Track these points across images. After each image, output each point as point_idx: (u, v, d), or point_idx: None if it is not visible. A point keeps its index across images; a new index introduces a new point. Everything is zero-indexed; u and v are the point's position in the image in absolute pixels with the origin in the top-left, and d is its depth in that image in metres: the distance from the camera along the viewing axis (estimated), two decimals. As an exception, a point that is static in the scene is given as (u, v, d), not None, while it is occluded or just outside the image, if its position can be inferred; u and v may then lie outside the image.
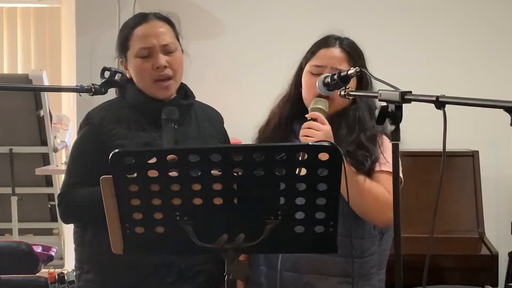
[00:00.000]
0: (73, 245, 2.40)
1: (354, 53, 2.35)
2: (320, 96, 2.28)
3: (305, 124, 2.18)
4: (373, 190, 2.18)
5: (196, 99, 2.54)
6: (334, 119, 2.29)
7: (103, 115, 2.35)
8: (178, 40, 2.42)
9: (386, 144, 2.23)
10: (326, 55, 2.34)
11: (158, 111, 2.32)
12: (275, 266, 2.28)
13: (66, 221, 2.41)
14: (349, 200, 2.10)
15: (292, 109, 2.40)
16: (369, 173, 2.22)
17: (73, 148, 2.40)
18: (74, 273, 2.42)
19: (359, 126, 2.28)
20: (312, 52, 2.38)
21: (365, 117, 2.30)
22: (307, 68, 2.36)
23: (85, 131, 2.36)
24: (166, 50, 2.35)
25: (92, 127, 2.34)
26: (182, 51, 2.42)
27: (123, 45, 2.40)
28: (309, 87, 2.32)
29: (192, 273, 2.30)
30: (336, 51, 2.34)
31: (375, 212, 2.19)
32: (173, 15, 2.44)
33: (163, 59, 2.33)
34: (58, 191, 5.59)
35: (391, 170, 2.02)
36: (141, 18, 2.40)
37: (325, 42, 2.37)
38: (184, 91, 2.45)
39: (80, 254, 2.37)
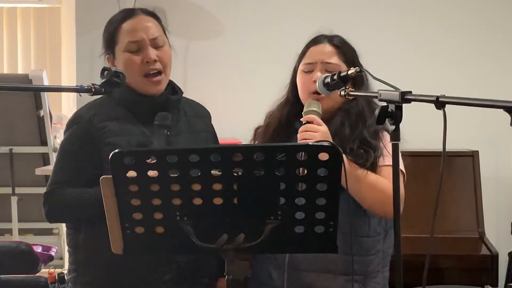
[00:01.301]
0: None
1: (343, 47, 2.38)
2: (314, 92, 2.30)
3: (302, 128, 2.19)
4: (378, 184, 2.19)
5: (196, 98, 2.54)
6: (337, 117, 2.31)
7: (92, 113, 2.31)
8: (165, 35, 2.40)
9: (388, 139, 2.24)
10: (315, 51, 2.38)
11: (148, 107, 2.30)
12: (282, 265, 2.29)
13: (51, 220, 2.36)
14: (355, 196, 2.15)
15: (291, 111, 2.41)
16: (373, 168, 2.23)
17: (61, 147, 2.35)
18: (69, 276, 2.37)
19: (361, 122, 2.30)
20: (303, 52, 2.42)
21: (365, 112, 2.31)
22: (299, 68, 2.40)
23: (74, 130, 2.32)
24: (155, 44, 2.33)
25: (81, 126, 2.30)
26: (170, 46, 2.40)
27: (110, 41, 2.37)
28: (303, 85, 2.36)
29: (191, 269, 2.29)
30: (325, 47, 2.38)
31: (382, 205, 2.18)
32: (159, 10, 2.42)
33: (153, 53, 2.31)
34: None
35: None
36: (128, 13, 2.39)
37: (314, 40, 2.42)
38: (172, 87, 2.43)
39: (75, 256, 2.33)
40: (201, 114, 2.49)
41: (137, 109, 2.33)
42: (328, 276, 2.26)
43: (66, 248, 2.38)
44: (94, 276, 2.29)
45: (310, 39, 2.43)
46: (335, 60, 2.34)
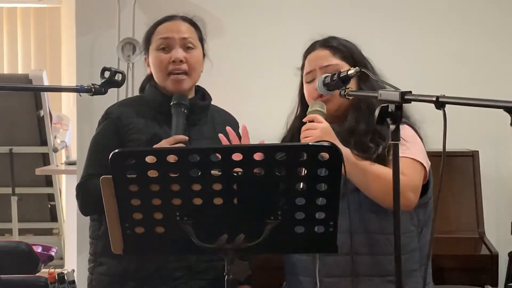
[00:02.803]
0: (89, 239, 2.47)
1: (338, 46, 2.37)
2: (319, 96, 2.29)
3: (303, 127, 2.19)
4: (383, 174, 2.13)
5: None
6: (350, 115, 2.31)
7: (121, 110, 2.42)
8: (201, 43, 2.49)
9: (407, 133, 2.21)
10: (311, 59, 2.38)
11: None
12: (313, 274, 2.26)
13: (85, 213, 2.44)
14: (362, 189, 2.15)
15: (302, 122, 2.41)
16: (381, 159, 2.19)
17: (92, 141, 2.45)
18: (88, 266, 2.47)
19: (372, 114, 2.28)
20: (302, 64, 2.43)
21: (374, 102, 2.28)
22: (303, 80, 2.41)
23: (104, 125, 2.43)
24: (185, 45, 2.42)
25: (111, 122, 2.41)
26: (205, 54, 2.50)
27: (146, 41, 2.48)
28: (308, 95, 2.37)
29: (201, 268, 2.35)
30: (319, 52, 2.38)
31: (387, 195, 2.05)
32: (198, 19, 2.53)
33: (181, 53, 2.40)
34: (58, 191, 5.59)
35: (411, 157, 2.04)
36: (167, 17, 2.49)
37: (308, 49, 2.43)
38: (202, 93, 2.52)
39: (95, 247, 2.43)
40: (228, 122, 2.53)
41: (164, 110, 2.40)
42: (361, 279, 2.22)
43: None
44: (110, 267, 2.38)
45: (305, 48, 2.43)
46: (332, 61, 2.33)
